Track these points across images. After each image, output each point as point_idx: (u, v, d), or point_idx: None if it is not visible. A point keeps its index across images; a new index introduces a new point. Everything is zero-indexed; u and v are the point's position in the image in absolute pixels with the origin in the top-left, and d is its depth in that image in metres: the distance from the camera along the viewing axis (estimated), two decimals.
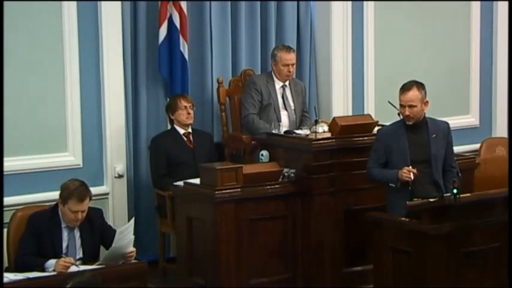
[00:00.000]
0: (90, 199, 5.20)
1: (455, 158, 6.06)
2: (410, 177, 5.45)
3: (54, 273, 4.89)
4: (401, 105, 5.58)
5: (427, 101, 5.61)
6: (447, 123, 5.77)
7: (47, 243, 5.11)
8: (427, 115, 5.69)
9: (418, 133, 5.62)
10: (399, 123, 5.66)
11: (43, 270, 4.95)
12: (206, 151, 6.46)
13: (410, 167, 5.48)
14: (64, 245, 5.15)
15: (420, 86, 5.60)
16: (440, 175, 5.61)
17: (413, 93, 5.55)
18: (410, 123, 5.59)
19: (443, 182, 5.59)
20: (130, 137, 6.53)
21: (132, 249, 5.11)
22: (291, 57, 6.57)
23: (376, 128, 6.06)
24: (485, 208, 5.36)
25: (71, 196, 5.09)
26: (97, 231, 5.27)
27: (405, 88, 5.58)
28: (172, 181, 6.08)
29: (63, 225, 5.18)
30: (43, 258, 5.02)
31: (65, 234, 5.18)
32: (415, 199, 5.40)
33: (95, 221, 5.27)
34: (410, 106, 5.54)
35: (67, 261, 4.95)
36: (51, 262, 4.98)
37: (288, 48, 6.60)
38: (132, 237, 5.13)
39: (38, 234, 5.12)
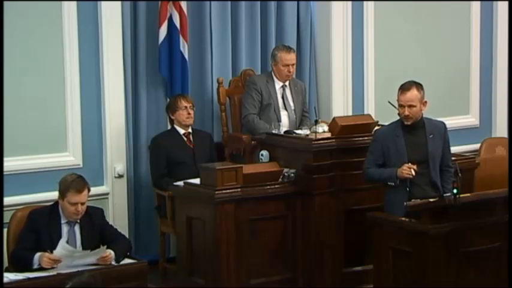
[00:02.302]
0: (89, 191, 5.22)
1: (455, 158, 6.07)
2: (411, 174, 5.45)
3: (57, 272, 4.91)
4: (400, 105, 5.57)
5: (426, 101, 5.61)
6: (443, 123, 5.76)
7: (46, 239, 5.12)
8: (425, 115, 5.68)
9: (416, 133, 5.61)
10: (396, 124, 5.65)
11: (31, 267, 4.97)
12: (206, 151, 6.46)
13: (410, 163, 5.48)
14: (64, 240, 5.16)
15: (419, 86, 5.60)
16: (438, 175, 5.60)
17: (413, 93, 5.55)
18: (409, 123, 5.58)
19: (440, 183, 5.59)
20: (130, 137, 6.53)
21: (103, 254, 5.08)
22: (291, 57, 6.57)
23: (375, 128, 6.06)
24: (485, 208, 5.37)
25: (69, 188, 5.12)
26: (97, 230, 5.28)
27: (404, 88, 5.58)
28: (172, 181, 6.08)
29: (62, 221, 5.19)
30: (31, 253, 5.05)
31: (64, 230, 5.19)
32: (413, 200, 5.39)
33: (95, 219, 5.29)
34: (410, 106, 5.54)
35: (51, 258, 4.97)
36: (36, 257, 5.00)
37: (288, 49, 6.59)
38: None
39: (37, 230, 5.14)
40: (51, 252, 5.02)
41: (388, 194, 5.60)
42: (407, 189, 5.49)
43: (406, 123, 5.58)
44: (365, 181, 5.73)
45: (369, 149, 5.70)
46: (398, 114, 5.61)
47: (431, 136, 5.61)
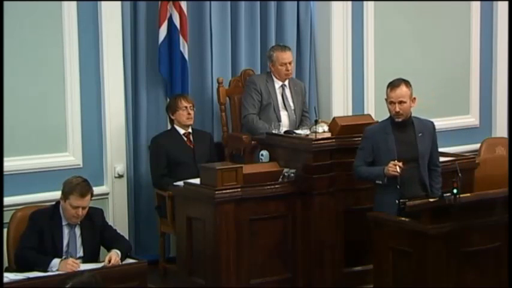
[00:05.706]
0: (92, 196, 5.22)
1: (454, 158, 6.08)
2: (397, 171, 5.44)
3: (57, 272, 4.91)
4: (391, 102, 5.57)
5: (415, 98, 5.62)
6: (432, 123, 5.76)
7: (48, 240, 5.13)
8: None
9: (405, 131, 5.61)
10: (386, 122, 5.65)
11: (45, 270, 4.96)
12: (206, 151, 6.46)
13: (396, 161, 5.47)
14: (65, 242, 5.17)
15: (407, 82, 5.62)
16: (427, 174, 5.60)
17: (403, 90, 5.55)
18: (400, 119, 5.57)
19: (428, 182, 5.59)
20: (130, 137, 6.53)
21: (108, 262, 5.09)
22: (288, 55, 6.57)
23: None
24: (485, 208, 5.36)
25: (73, 191, 5.11)
26: (97, 231, 5.28)
27: (394, 85, 5.58)
28: (172, 181, 6.08)
29: (63, 222, 5.19)
30: (45, 256, 5.05)
31: (65, 232, 5.19)
32: (402, 199, 5.38)
33: (95, 220, 5.29)
34: (401, 102, 5.54)
35: (76, 263, 4.99)
36: (55, 262, 5.00)
37: (284, 47, 6.60)
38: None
39: (39, 230, 5.14)
40: (54, 255, 5.04)
41: (379, 193, 5.60)
42: (398, 187, 5.49)
43: (396, 119, 5.57)
44: (355, 179, 5.72)
45: (359, 146, 5.69)
46: (389, 111, 5.61)
47: (420, 134, 5.61)
